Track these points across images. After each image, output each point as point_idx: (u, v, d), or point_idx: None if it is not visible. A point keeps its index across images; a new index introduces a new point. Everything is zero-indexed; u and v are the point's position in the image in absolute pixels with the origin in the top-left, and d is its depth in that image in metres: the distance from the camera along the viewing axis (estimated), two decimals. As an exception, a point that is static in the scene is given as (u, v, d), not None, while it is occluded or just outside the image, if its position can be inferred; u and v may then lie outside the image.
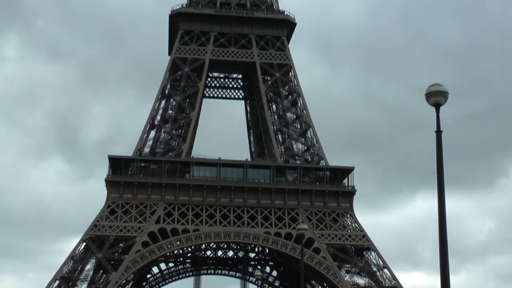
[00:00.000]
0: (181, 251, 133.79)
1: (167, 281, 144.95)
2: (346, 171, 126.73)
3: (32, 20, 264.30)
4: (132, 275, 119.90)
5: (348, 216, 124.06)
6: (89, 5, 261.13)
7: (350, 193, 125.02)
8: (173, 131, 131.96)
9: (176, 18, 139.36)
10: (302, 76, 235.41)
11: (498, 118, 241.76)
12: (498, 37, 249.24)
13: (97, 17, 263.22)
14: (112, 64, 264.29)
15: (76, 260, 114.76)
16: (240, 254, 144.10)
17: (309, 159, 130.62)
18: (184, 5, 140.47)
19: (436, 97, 19.70)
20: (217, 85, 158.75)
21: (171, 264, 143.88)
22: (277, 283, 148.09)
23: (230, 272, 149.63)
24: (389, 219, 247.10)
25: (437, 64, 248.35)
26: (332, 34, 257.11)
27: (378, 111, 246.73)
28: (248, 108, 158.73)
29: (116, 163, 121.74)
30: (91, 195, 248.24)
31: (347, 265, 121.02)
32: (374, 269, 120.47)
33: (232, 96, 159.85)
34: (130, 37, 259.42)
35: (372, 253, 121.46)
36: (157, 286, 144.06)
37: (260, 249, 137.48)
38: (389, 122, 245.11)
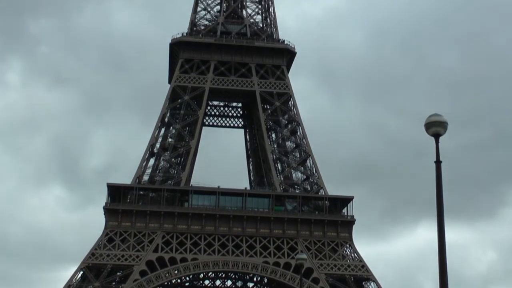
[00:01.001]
0: (179, 280, 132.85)
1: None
2: (345, 201, 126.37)
3: (35, 46, 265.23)
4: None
5: (348, 246, 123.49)
6: (92, 32, 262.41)
7: (349, 223, 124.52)
8: (173, 159, 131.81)
9: (176, 46, 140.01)
10: (303, 104, 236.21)
11: (501, 147, 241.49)
12: (500, 66, 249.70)
13: (100, 44, 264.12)
14: (115, 91, 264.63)
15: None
16: (239, 283, 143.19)
17: (309, 188, 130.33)
18: (185, 34, 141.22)
19: (436, 128, 19.60)
20: (217, 113, 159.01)
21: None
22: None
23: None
24: (390, 249, 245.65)
25: (439, 93, 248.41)
26: (333, 62, 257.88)
27: (380, 140, 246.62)
28: (247, 137, 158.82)
29: (115, 191, 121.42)
30: (91, 222, 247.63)
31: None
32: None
33: (232, 124, 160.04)
34: (132, 64, 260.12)
35: (372, 283, 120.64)
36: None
37: (259, 278, 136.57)
38: (391, 151, 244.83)
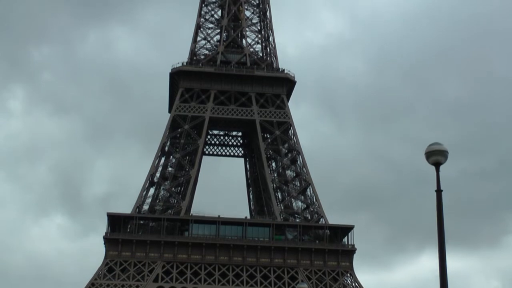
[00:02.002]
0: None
1: None
2: (346, 230, 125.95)
3: (38, 74, 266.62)
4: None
5: (348, 275, 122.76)
6: (95, 60, 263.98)
7: (350, 252, 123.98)
8: (173, 189, 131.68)
9: (176, 75, 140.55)
10: (305, 132, 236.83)
11: (504, 174, 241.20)
12: (503, 93, 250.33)
13: (102, 72, 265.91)
14: (117, 119, 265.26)
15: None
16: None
17: (309, 217, 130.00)
18: (185, 63, 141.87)
19: (436, 156, 19.58)
20: (217, 142, 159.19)
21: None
22: None
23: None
24: (393, 277, 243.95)
25: (442, 120, 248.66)
26: (335, 89, 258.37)
27: (382, 167, 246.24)
28: (247, 166, 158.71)
29: (115, 221, 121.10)
30: (92, 251, 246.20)
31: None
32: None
33: (232, 153, 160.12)
34: (135, 92, 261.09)
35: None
36: None
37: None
38: (394, 178, 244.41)
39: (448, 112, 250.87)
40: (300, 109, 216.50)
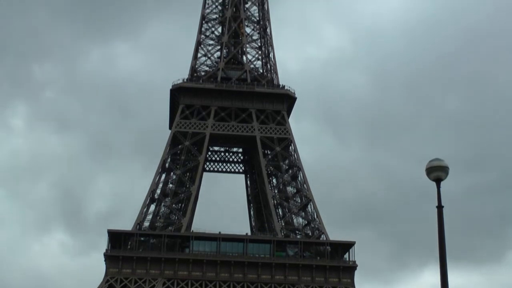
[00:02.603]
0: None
1: None
2: (347, 246, 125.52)
3: (40, 91, 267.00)
4: None
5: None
6: (98, 76, 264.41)
7: (351, 268, 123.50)
8: (173, 205, 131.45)
9: (177, 92, 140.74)
10: (307, 147, 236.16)
11: (507, 189, 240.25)
12: (505, 107, 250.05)
13: (105, 88, 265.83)
14: (119, 135, 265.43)
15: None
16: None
17: (310, 234, 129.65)
18: (185, 80, 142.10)
19: (437, 172, 19.58)
20: (218, 159, 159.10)
21: None
22: None
23: None
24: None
25: (444, 135, 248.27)
26: (336, 105, 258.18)
27: (384, 182, 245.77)
28: (248, 182, 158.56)
29: (116, 237, 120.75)
30: (92, 268, 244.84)
31: None
32: None
33: (233, 170, 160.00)
34: (137, 108, 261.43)
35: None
36: None
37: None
38: (396, 194, 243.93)
39: (451, 127, 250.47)
40: (301, 124, 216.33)
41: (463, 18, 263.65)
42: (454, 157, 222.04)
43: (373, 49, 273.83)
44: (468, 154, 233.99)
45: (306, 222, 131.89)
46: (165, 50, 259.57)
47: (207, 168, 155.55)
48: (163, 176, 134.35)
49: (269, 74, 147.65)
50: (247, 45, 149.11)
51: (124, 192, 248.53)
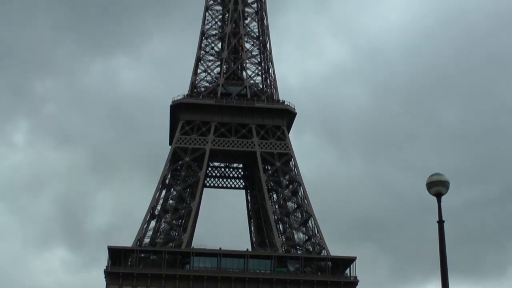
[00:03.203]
0: None
1: None
2: (348, 261, 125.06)
3: (41, 106, 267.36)
4: None
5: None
6: (99, 91, 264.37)
7: (352, 284, 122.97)
8: (174, 221, 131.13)
9: (177, 108, 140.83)
10: (309, 161, 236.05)
11: (509, 202, 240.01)
12: (506, 119, 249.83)
13: (106, 103, 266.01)
14: (120, 150, 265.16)
15: None
16: None
17: (311, 249, 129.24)
18: (185, 95, 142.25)
19: (437, 187, 19.52)
20: (218, 174, 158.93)
21: None
22: None
23: None
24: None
25: (446, 147, 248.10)
26: (337, 118, 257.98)
27: (387, 197, 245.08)
28: (248, 198, 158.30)
29: (116, 254, 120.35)
30: (93, 285, 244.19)
31: None
32: None
33: (233, 185, 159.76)
34: (139, 123, 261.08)
35: None
36: None
37: None
38: (398, 208, 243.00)
39: (452, 139, 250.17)
40: (303, 138, 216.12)
41: (464, 31, 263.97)
42: (456, 169, 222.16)
43: (374, 62, 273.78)
44: (470, 166, 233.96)
45: (307, 237, 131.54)
46: (167, 64, 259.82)
47: (208, 184, 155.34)
48: (164, 192, 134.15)
49: (269, 90, 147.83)
50: (247, 61, 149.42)
51: (125, 208, 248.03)
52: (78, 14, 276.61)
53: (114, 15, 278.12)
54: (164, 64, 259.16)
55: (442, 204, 19.92)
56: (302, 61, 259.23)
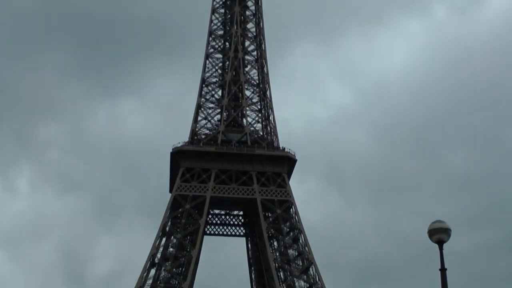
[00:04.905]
0: None
1: None
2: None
3: (45, 151, 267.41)
4: None
5: None
6: (103, 136, 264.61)
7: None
8: (174, 269, 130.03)
9: (177, 155, 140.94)
10: (312, 207, 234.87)
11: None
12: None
13: (110, 148, 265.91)
14: (124, 196, 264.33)
15: None
16: None
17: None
18: (186, 143, 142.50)
19: (439, 235, 19.32)
20: (218, 222, 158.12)
21: None
22: None
23: None
24: None
25: (453, 192, 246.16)
26: (341, 163, 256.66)
27: (392, 242, 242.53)
28: (249, 245, 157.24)
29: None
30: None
31: None
32: None
33: (233, 233, 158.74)
34: (143, 168, 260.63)
35: None
36: None
37: None
38: (404, 254, 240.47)
39: (459, 184, 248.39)
40: (307, 183, 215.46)
41: (470, 75, 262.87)
42: (463, 214, 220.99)
43: (378, 106, 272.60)
44: (477, 211, 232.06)
45: (308, 285, 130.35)
46: (170, 110, 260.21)
47: (208, 232, 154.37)
48: (164, 239, 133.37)
49: (269, 137, 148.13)
50: (247, 108, 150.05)
51: (127, 255, 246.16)
52: (82, 59, 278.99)
53: (119, 60, 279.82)
54: (167, 110, 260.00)
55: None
56: (306, 105, 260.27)
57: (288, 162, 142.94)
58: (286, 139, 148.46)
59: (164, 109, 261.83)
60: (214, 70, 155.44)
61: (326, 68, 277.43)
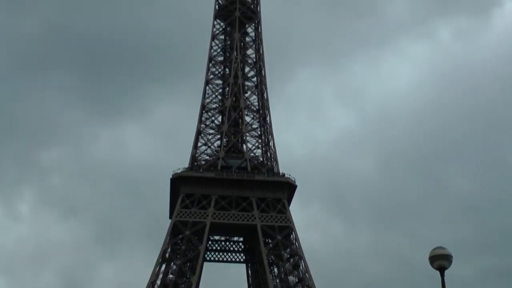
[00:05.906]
0: None
1: None
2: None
3: (47, 176, 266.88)
4: None
5: None
6: (105, 161, 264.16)
7: None
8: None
9: (177, 181, 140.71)
10: (314, 232, 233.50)
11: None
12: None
13: (112, 173, 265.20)
14: (125, 222, 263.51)
15: None
16: None
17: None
18: (186, 169, 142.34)
19: (440, 261, 19.12)
20: (218, 248, 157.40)
21: None
22: None
23: None
24: None
25: (457, 217, 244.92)
26: (344, 188, 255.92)
27: (395, 267, 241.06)
28: (249, 271, 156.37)
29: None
30: None
31: None
32: None
33: (233, 259, 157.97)
34: (145, 193, 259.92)
35: None
36: None
37: None
38: (408, 280, 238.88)
39: (463, 209, 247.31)
40: (310, 208, 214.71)
41: (473, 99, 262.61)
42: (467, 239, 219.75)
43: (382, 131, 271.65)
44: (481, 235, 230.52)
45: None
46: (171, 135, 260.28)
47: (208, 258, 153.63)
48: (164, 266, 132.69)
49: (269, 162, 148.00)
50: (247, 134, 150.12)
51: (127, 281, 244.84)
52: (85, 84, 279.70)
53: (121, 85, 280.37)
54: (168, 135, 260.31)
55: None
56: (309, 129, 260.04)
57: (288, 187, 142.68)
58: (287, 164, 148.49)
59: (166, 134, 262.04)
60: (214, 96, 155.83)
61: (329, 92, 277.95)
